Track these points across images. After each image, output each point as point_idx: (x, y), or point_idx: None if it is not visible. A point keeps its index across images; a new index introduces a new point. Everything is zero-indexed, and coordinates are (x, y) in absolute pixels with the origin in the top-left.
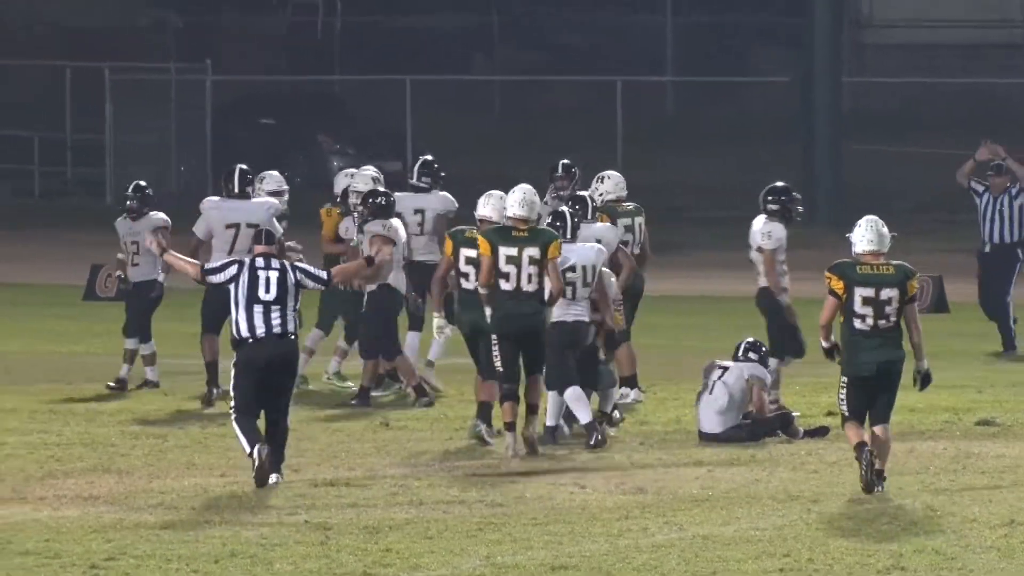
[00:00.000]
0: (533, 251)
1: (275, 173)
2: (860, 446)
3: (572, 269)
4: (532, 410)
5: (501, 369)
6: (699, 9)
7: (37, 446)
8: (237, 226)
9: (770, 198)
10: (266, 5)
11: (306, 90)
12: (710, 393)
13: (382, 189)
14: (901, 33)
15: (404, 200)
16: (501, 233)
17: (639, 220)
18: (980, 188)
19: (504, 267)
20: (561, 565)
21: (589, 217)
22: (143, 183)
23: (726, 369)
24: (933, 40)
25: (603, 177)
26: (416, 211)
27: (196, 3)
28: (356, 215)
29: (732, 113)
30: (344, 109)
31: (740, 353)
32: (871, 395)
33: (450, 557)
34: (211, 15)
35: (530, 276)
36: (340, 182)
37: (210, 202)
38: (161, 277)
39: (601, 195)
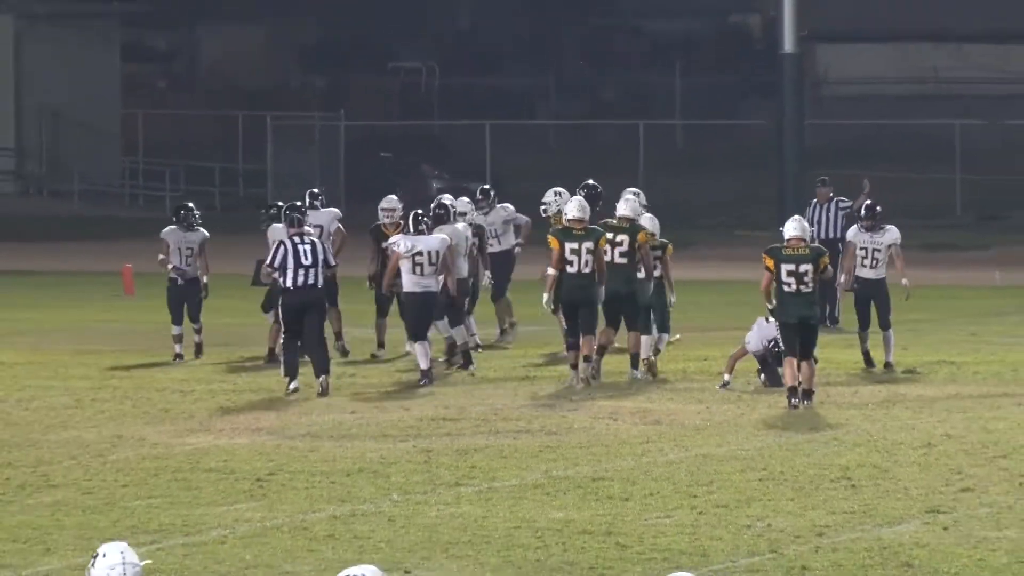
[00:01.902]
0: (588, 244)
1: (465, 199)
2: (791, 390)
3: (420, 253)
4: (587, 359)
5: (565, 327)
6: (700, 70)
7: (218, 392)
8: (321, 228)
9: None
10: (383, 69)
11: (413, 132)
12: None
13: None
14: (848, 88)
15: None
16: (565, 232)
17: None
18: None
19: (569, 256)
20: (600, 477)
21: (450, 220)
22: (191, 204)
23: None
24: (873, 92)
25: (557, 192)
26: None
27: (333, 67)
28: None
29: (725, 147)
30: (441, 145)
31: None
32: (796, 336)
33: (519, 472)
34: (345, 76)
35: (586, 262)
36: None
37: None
38: (205, 279)
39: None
